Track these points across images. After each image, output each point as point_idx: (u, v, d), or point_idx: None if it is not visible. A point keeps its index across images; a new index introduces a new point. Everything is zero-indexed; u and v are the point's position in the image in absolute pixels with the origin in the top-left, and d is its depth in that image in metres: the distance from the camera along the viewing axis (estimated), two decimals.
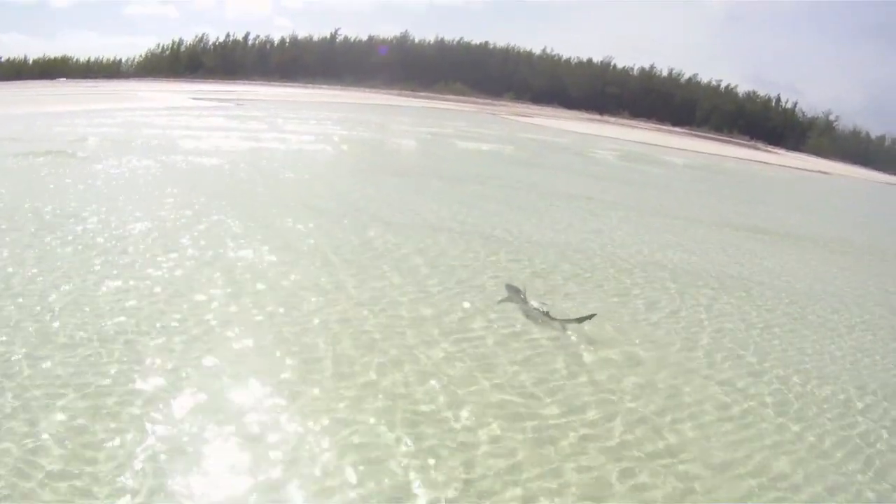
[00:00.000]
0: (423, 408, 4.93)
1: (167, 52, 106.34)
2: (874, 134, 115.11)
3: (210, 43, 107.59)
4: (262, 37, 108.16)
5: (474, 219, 11.81)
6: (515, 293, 7.83)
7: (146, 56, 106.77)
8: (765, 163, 53.10)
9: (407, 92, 79.95)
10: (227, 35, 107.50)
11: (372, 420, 4.68)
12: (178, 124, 25.21)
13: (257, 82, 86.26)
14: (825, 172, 62.95)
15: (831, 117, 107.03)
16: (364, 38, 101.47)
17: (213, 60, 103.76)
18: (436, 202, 13.03)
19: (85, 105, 34.02)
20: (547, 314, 7.25)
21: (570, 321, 7.08)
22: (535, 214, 13.03)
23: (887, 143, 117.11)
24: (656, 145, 47.08)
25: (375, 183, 15.00)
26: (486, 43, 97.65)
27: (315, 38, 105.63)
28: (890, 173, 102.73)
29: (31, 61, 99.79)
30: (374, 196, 13.05)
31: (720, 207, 19.08)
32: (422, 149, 24.83)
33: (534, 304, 7.47)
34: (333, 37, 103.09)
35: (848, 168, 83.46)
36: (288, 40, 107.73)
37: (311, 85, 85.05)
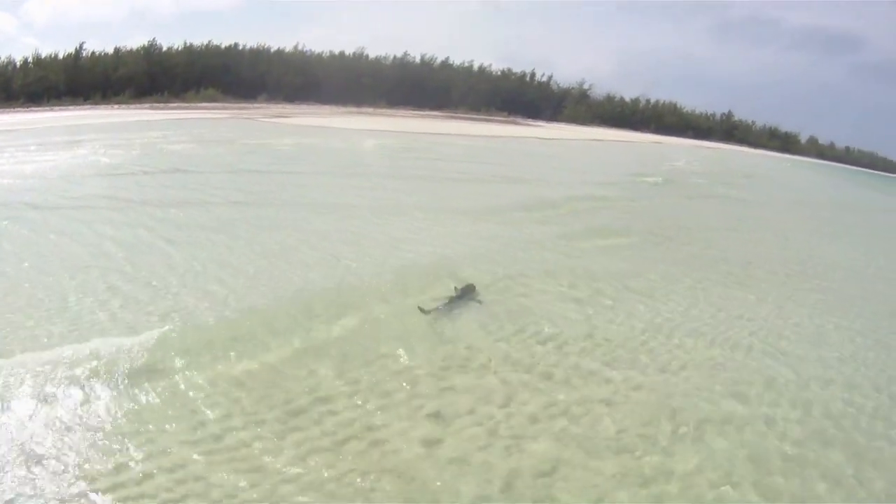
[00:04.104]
0: None
1: None
2: (628, 97, 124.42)
3: None
4: (3, 59, 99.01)
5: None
6: (463, 291, 9.27)
7: None
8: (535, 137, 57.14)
9: (158, 105, 77.12)
10: None
11: None
12: None
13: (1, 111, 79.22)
14: (600, 140, 68.50)
15: (585, 85, 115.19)
16: (111, 51, 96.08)
17: None
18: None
19: None
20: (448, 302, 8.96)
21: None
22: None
23: (642, 104, 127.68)
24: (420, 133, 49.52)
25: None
26: (236, 45, 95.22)
27: (60, 55, 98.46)
28: (649, 132, 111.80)
29: None
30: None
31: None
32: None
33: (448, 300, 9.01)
34: (79, 52, 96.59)
35: (614, 133, 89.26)
36: (32, 60, 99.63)
37: (57, 107, 79.55)
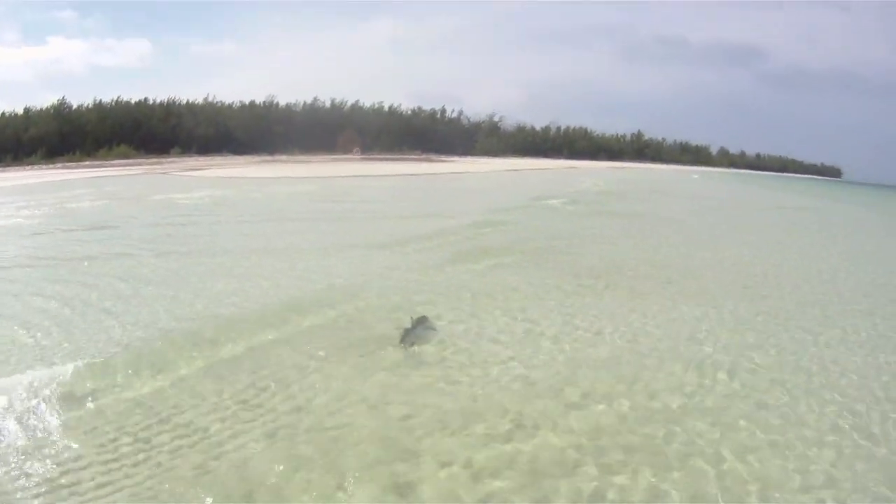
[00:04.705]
0: None
1: None
2: (539, 126, 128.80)
3: None
4: None
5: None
6: (417, 322, 9.43)
7: None
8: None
9: (71, 164, 76.45)
10: None
11: None
12: None
13: None
14: (515, 170, 70.88)
15: (495, 118, 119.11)
16: (20, 111, 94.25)
17: None
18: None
19: None
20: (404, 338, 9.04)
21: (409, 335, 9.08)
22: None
23: (552, 131, 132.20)
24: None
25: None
26: (146, 99, 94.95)
27: None
28: (563, 158, 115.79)
29: None
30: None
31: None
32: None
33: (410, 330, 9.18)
34: None
35: (530, 162, 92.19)
36: None
37: None
